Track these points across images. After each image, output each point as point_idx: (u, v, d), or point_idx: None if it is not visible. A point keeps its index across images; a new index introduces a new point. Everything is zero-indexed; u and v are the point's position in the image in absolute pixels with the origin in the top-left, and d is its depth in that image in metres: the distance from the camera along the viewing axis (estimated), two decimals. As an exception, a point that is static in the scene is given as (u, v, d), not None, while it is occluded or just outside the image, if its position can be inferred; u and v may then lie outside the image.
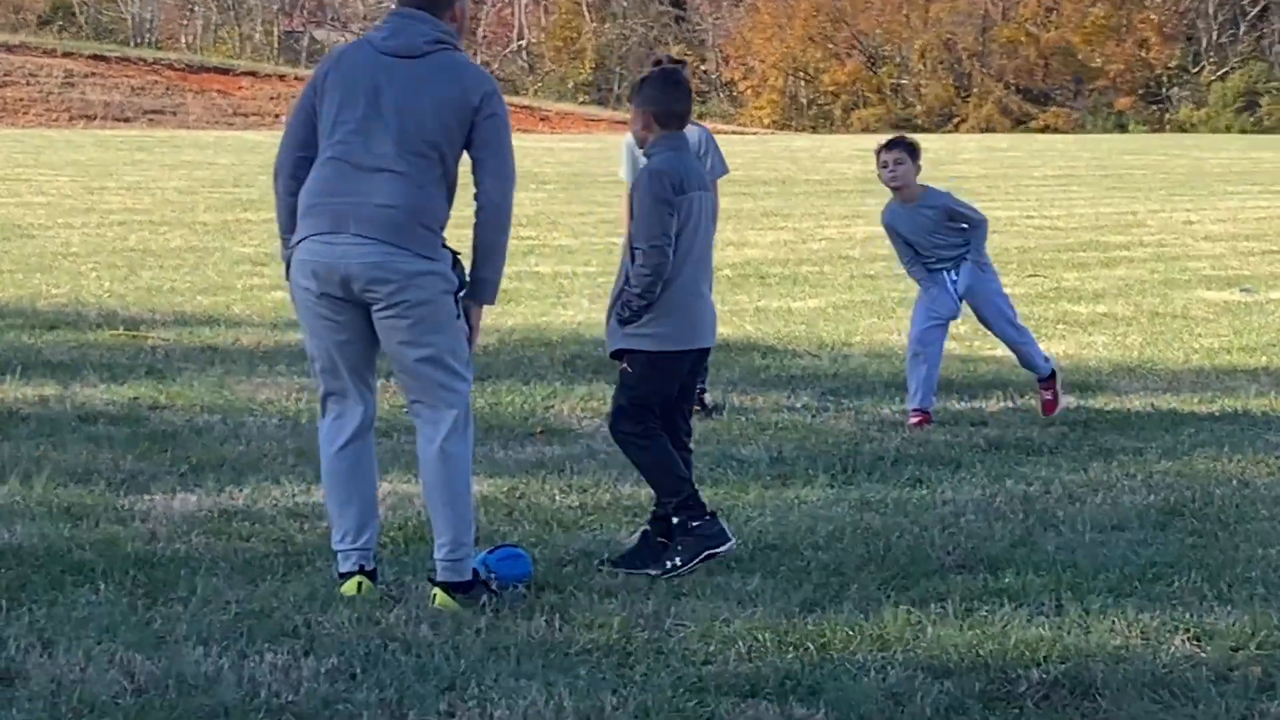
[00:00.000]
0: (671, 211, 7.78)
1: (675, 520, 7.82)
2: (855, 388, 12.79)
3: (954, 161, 50.65)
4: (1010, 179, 43.13)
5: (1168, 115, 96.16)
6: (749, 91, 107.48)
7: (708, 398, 11.62)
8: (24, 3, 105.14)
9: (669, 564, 7.66)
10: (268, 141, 50.85)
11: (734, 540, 7.82)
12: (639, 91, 8.09)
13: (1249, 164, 50.35)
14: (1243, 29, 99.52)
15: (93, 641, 6.33)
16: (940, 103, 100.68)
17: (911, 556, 7.89)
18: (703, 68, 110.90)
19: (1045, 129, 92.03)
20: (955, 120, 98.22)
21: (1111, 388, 13.05)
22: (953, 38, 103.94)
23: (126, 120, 73.87)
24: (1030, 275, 21.39)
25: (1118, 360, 14.47)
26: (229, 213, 28.18)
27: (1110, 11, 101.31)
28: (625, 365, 7.98)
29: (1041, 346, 14.99)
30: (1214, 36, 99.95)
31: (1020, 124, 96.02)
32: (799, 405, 12.03)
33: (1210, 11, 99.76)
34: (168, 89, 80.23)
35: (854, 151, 55.79)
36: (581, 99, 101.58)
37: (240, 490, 9.02)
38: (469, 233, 7.02)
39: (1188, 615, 6.95)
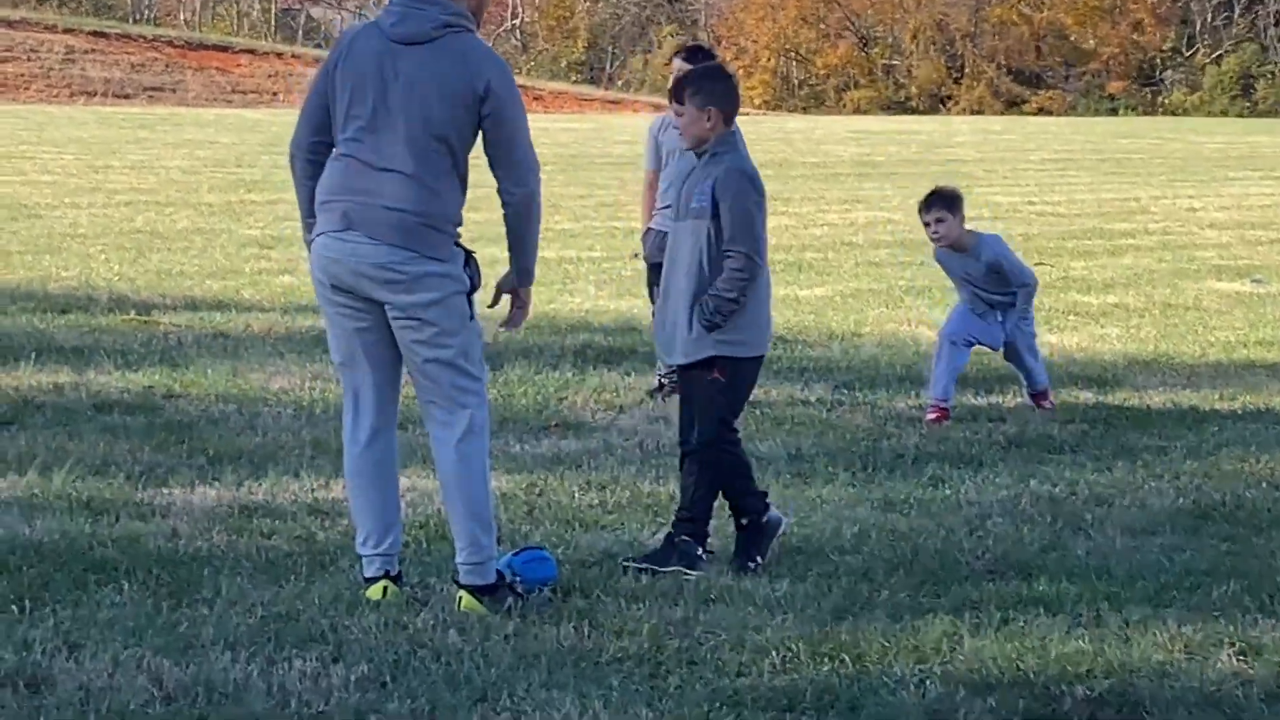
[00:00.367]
0: (762, 213, 7.79)
1: (745, 521, 7.85)
2: (869, 380, 12.71)
3: (948, 145, 50.58)
4: (1007, 163, 43.01)
5: (1160, 99, 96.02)
6: (741, 72, 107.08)
7: None
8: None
9: (751, 564, 7.68)
10: (267, 120, 50.85)
11: (790, 518, 8.10)
12: (703, 89, 7.91)
13: (1246, 148, 50.22)
14: (1237, 11, 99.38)
15: (120, 645, 6.27)
16: (932, 84, 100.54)
17: (941, 561, 7.83)
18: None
19: (1039, 111, 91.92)
20: (947, 101, 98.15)
21: (1129, 383, 12.94)
22: (945, 18, 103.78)
23: (127, 97, 73.68)
24: (1037, 264, 21.17)
25: (1133, 354, 14.36)
26: (233, 193, 28.08)
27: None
28: (716, 374, 7.80)
29: (1055, 339, 15.05)
30: (1208, 19, 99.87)
31: (1012, 106, 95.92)
32: (813, 399, 11.95)
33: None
34: (167, 66, 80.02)
35: (848, 133, 55.75)
36: (574, 78, 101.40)
37: (259, 484, 8.95)
38: (485, 220, 6.96)
39: (1231, 628, 6.86)
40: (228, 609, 6.78)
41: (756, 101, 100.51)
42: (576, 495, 9.02)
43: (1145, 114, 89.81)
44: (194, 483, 8.93)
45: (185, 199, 26.93)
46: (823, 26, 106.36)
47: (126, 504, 8.44)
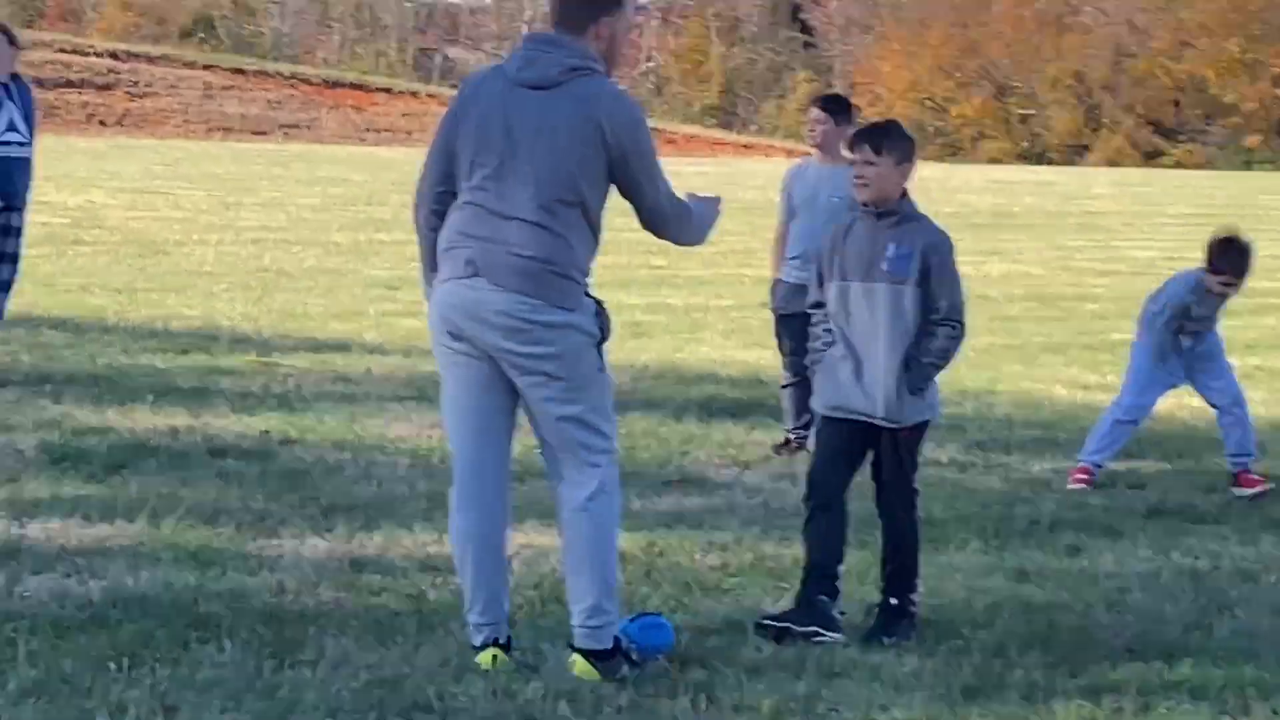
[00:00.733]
0: None
1: (894, 602, 7.61)
2: (1003, 442, 12.33)
3: (1086, 196, 49.97)
4: (1145, 217, 42.36)
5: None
6: (876, 119, 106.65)
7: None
8: (167, 14, 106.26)
9: (886, 639, 7.41)
10: (400, 159, 50.92)
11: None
12: (901, 144, 7.66)
13: (1392, 206, 49.30)
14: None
15: (218, 709, 6.04)
16: (1069, 135, 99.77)
17: (1077, 638, 7.45)
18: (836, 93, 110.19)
19: (1176, 165, 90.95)
20: (1084, 152, 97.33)
21: (1274, 450, 12.43)
22: (1084, 69, 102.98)
23: (262, 133, 74.27)
24: (1177, 323, 20.81)
25: (1278, 420, 13.88)
26: (361, 232, 27.99)
27: (1245, 47, 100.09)
28: (912, 433, 7.70)
29: (1196, 402, 14.53)
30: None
31: (1149, 158, 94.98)
32: (945, 460, 11.56)
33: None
34: (303, 103, 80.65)
35: (985, 183, 55.21)
36: (708, 122, 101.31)
37: (371, 537, 8.69)
38: (612, 264, 6.67)
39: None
40: (331, 672, 6.50)
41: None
42: (697, 557, 8.70)
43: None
44: (305, 534, 8.69)
45: (314, 237, 26.86)
46: (959, 75, 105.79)
47: (235, 555, 8.20)
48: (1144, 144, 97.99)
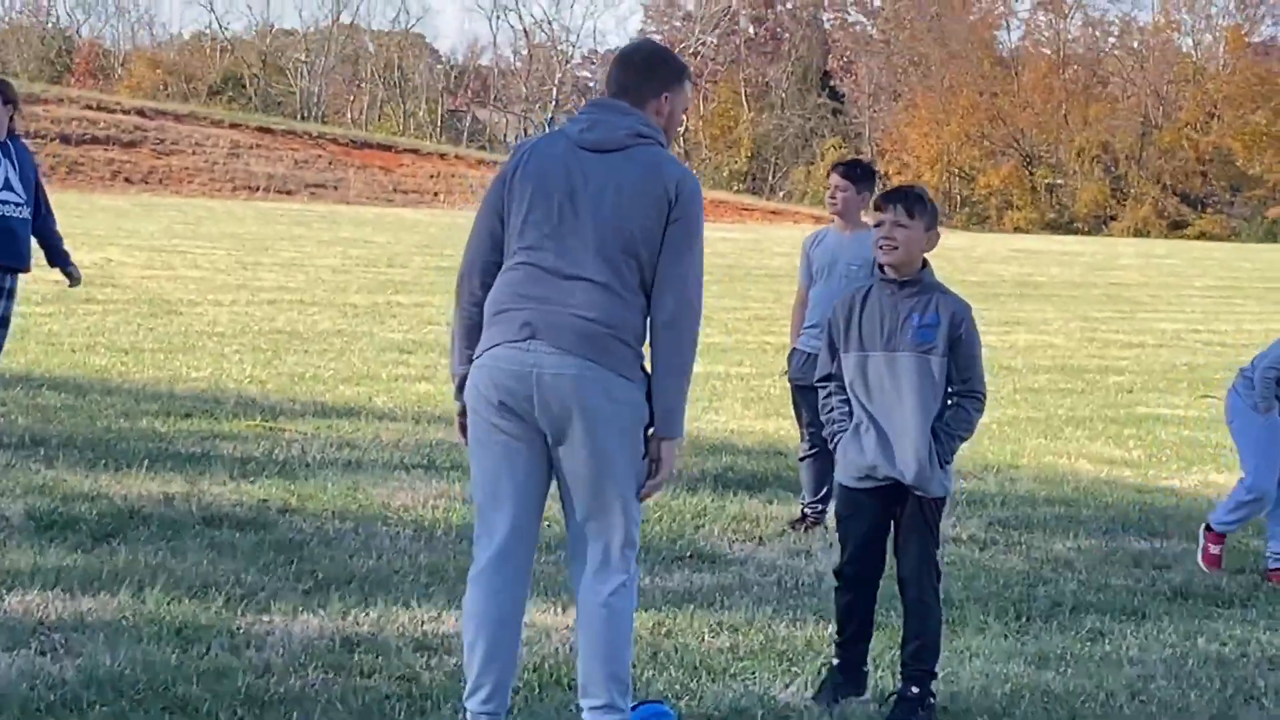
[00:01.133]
0: None
1: (915, 691, 7.29)
2: (1025, 519, 11.98)
3: (1111, 267, 49.70)
4: (1171, 289, 42.09)
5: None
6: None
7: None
8: (196, 73, 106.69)
9: None
10: (425, 220, 50.92)
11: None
12: (931, 208, 7.39)
13: None
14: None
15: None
16: (1095, 204, 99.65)
17: (1100, 730, 7.11)
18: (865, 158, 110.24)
19: (1200, 236, 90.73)
20: (1110, 222, 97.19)
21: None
22: (1111, 139, 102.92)
23: (289, 193, 74.36)
24: (1202, 396, 20.47)
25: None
26: (380, 294, 27.77)
27: (1271, 119, 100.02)
28: (935, 507, 7.38)
29: (1222, 479, 14.24)
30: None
31: (1176, 228, 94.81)
32: (965, 536, 11.21)
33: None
34: (330, 163, 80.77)
35: (1010, 252, 54.94)
36: (736, 187, 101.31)
37: (366, 613, 8.33)
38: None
39: None
40: (311, 761, 6.17)
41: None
42: (706, 638, 8.33)
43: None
44: (297, 609, 8.32)
45: (331, 299, 26.63)
46: (986, 144, 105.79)
47: (221, 632, 7.84)
48: (1170, 214, 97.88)
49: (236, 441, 13.01)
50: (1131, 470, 14.66)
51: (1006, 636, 8.69)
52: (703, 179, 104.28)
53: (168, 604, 8.19)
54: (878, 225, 7.41)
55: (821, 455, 10.85)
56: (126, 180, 72.42)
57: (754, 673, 7.80)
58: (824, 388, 7.59)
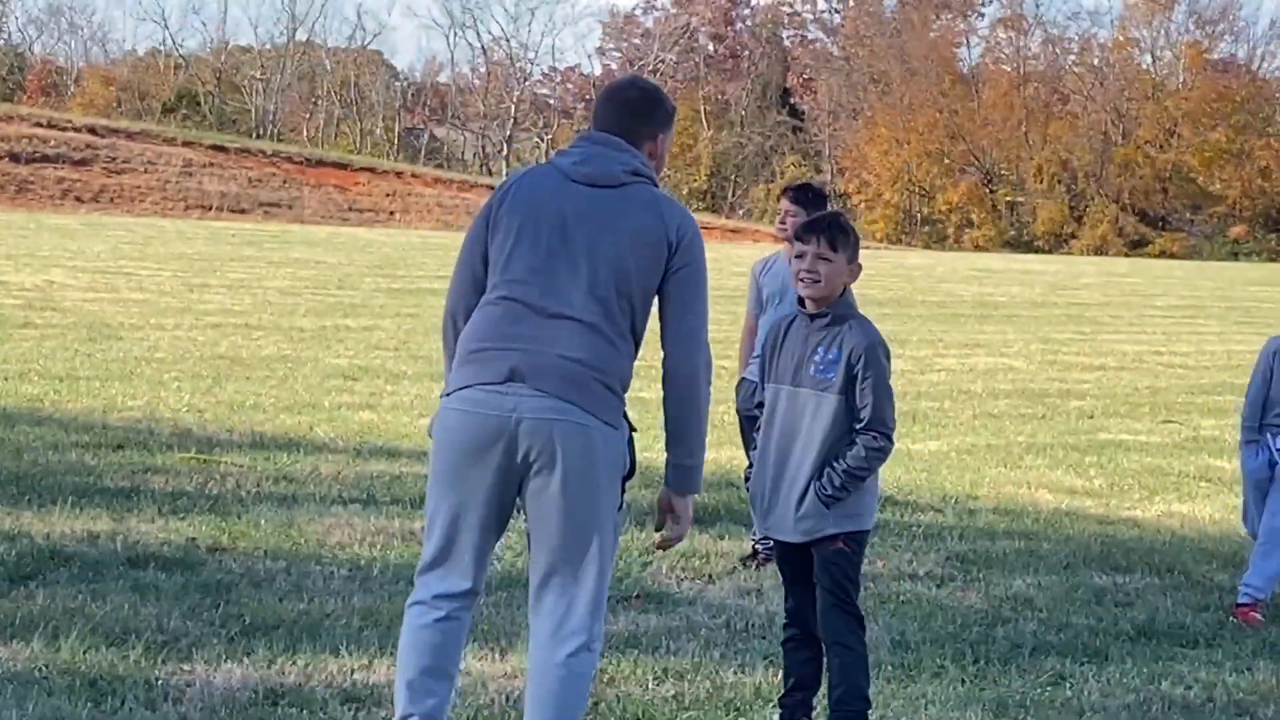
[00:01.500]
0: None
1: None
2: (984, 554, 11.61)
3: (1072, 286, 49.52)
4: (1133, 308, 41.88)
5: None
6: (863, 206, 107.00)
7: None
8: (151, 90, 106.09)
9: None
10: (380, 240, 50.44)
11: None
12: (854, 240, 7.08)
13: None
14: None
15: None
16: (1055, 222, 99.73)
17: (1060, 785, 6.75)
18: (818, 179, 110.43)
19: (1161, 254, 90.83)
20: (1070, 240, 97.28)
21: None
22: (1070, 156, 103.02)
23: (242, 211, 73.83)
24: (1165, 421, 20.16)
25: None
26: (328, 318, 27.32)
27: (1231, 136, 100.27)
28: (841, 544, 6.98)
29: (1184, 508, 13.92)
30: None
31: (1136, 246, 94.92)
32: (922, 573, 10.84)
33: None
34: (285, 182, 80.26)
35: (970, 271, 54.73)
36: (695, 206, 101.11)
37: (293, 662, 7.90)
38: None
39: None
40: (223, 829, 5.76)
41: (878, 235, 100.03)
42: (651, 686, 7.94)
43: (1271, 260, 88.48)
44: (220, 657, 7.90)
45: (277, 323, 26.16)
46: (946, 161, 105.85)
47: (138, 684, 7.41)
48: (1130, 232, 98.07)
49: (168, 475, 12.54)
50: (1093, 500, 14.32)
51: (964, 681, 8.33)
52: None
53: (84, 653, 7.76)
54: (798, 256, 7.06)
55: (772, 488, 10.49)
56: (77, 199, 71.80)
57: (698, 722, 7.44)
58: (756, 418, 7.38)
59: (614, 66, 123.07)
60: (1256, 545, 10.48)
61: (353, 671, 7.80)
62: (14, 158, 73.50)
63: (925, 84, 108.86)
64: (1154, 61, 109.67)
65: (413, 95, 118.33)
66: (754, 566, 10.71)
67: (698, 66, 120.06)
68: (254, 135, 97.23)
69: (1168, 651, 9.19)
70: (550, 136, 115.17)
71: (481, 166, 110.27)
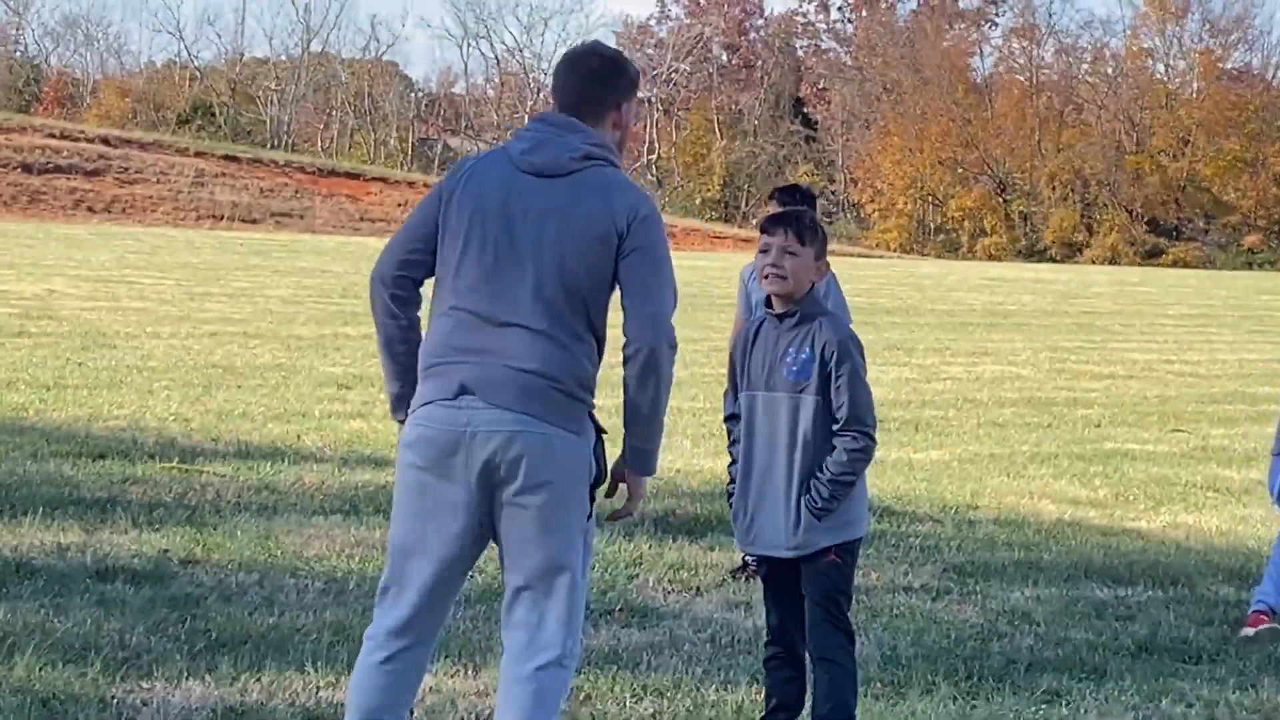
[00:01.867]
0: None
1: None
2: (982, 565, 11.29)
3: (1084, 295, 49.21)
4: (1145, 317, 41.55)
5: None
6: (876, 214, 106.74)
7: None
8: (166, 102, 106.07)
9: None
10: (387, 249, 50.00)
11: None
12: (821, 234, 6.76)
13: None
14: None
15: None
16: (1068, 231, 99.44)
17: (1052, 811, 6.45)
18: (830, 189, 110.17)
19: (1174, 263, 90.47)
20: (1082, 249, 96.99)
21: (1276, 578, 11.43)
22: (1083, 165, 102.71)
23: (253, 221, 73.72)
24: (1173, 430, 19.84)
25: (1279, 541, 12.87)
26: (328, 326, 27.05)
27: (1245, 145, 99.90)
28: (833, 556, 6.67)
29: (1191, 519, 13.62)
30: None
31: (1150, 256, 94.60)
32: (917, 585, 10.53)
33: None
34: (297, 191, 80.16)
35: (982, 280, 54.42)
36: (707, 216, 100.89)
37: (257, 679, 7.61)
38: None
39: None
40: None
41: (891, 244, 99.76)
42: (629, 704, 7.65)
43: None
44: (182, 675, 7.60)
45: (275, 331, 25.88)
46: (959, 170, 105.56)
47: (93, 703, 7.12)
48: (1143, 241, 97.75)
49: (147, 485, 12.24)
50: (1096, 511, 14.01)
51: (955, 699, 8.03)
52: (674, 207, 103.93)
53: (40, 670, 7.48)
54: (763, 251, 6.74)
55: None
56: (89, 209, 71.70)
57: (677, 744, 7.16)
58: (729, 431, 7.06)
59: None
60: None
61: (318, 689, 7.53)
62: (26, 168, 73.45)
63: (938, 93, 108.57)
64: (1167, 70, 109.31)
65: (427, 105, 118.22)
66: (743, 578, 10.41)
67: (711, 76, 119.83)
68: (269, 146, 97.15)
69: (1169, 668, 8.88)
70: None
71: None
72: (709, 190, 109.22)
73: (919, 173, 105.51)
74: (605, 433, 5.76)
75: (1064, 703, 8.06)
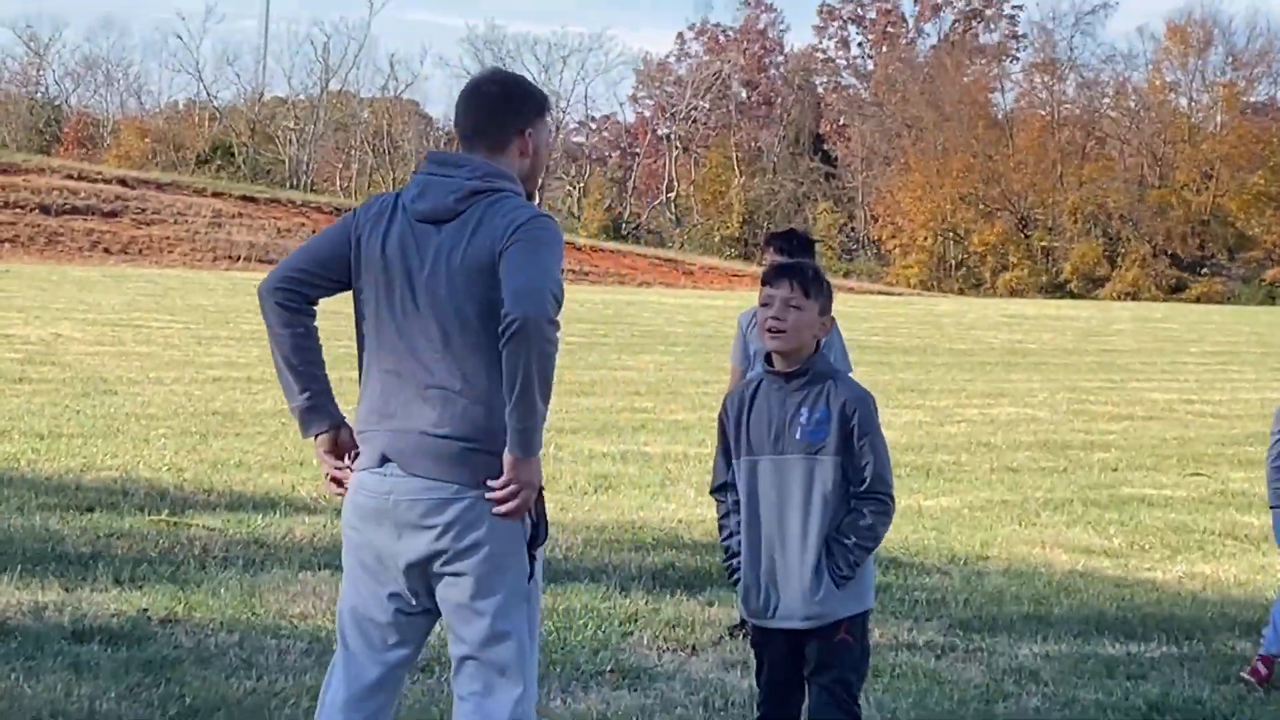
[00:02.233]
0: None
1: None
2: (990, 620, 10.95)
3: (1105, 333, 48.84)
4: (1166, 354, 41.14)
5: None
6: (896, 250, 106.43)
7: None
8: (186, 142, 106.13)
9: None
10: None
11: None
12: (826, 292, 6.40)
13: None
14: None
15: None
16: (1090, 265, 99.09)
17: None
18: (851, 225, 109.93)
19: (1198, 299, 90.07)
20: (1104, 283, 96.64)
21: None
22: (1105, 199, 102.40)
23: (270, 262, 73.42)
24: (1192, 474, 19.47)
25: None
26: (336, 370, 26.39)
27: (1269, 179, 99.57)
28: (845, 634, 6.31)
29: (1208, 569, 13.26)
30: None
31: (1173, 291, 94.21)
32: (921, 642, 10.18)
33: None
34: (314, 232, 79.88)
35: (1002, 317, 54.04)
36: (726, 254, 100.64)
37: (227, 750, 7.33)
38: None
39: None
40: None
41: (912, 281, 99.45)
42: (614, 775, 7.35)
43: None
44: (148, 746, 7.33)
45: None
46: (981, 206, 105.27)
47: (54, 775, 6.85)
48: (1165, 276, 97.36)
49: (133, 540, 11.90)
50: (1110, 560, 13.65)
51: (956, 767, 7.71)
52: (693, 244, 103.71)
53: (-2, 743, 7.20)
54: (764, 304, 6.38)
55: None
56: (106, 250, 71.60)
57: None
58: (720, 501, 6.57)
59: (647, 114, 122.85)
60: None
61: (290, 761, 7.22)
62: (44, 209, 73.40)
63: (959, 128, 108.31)
64: (1190, 104, 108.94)
65: (446, 143, 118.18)
66: (741, 636, 10.06)
67: (730, 113, 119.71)
68: (288, 185, 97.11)
69: (1182, 731, 8.56)
70: (583, 184, 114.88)
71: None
72: (728, 228, 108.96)
73: (940, 208, 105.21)
74: (542, 488, 5.42)
75: (1070, 771, 7.74)
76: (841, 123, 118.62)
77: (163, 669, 8.56)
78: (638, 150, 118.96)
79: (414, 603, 5.46)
